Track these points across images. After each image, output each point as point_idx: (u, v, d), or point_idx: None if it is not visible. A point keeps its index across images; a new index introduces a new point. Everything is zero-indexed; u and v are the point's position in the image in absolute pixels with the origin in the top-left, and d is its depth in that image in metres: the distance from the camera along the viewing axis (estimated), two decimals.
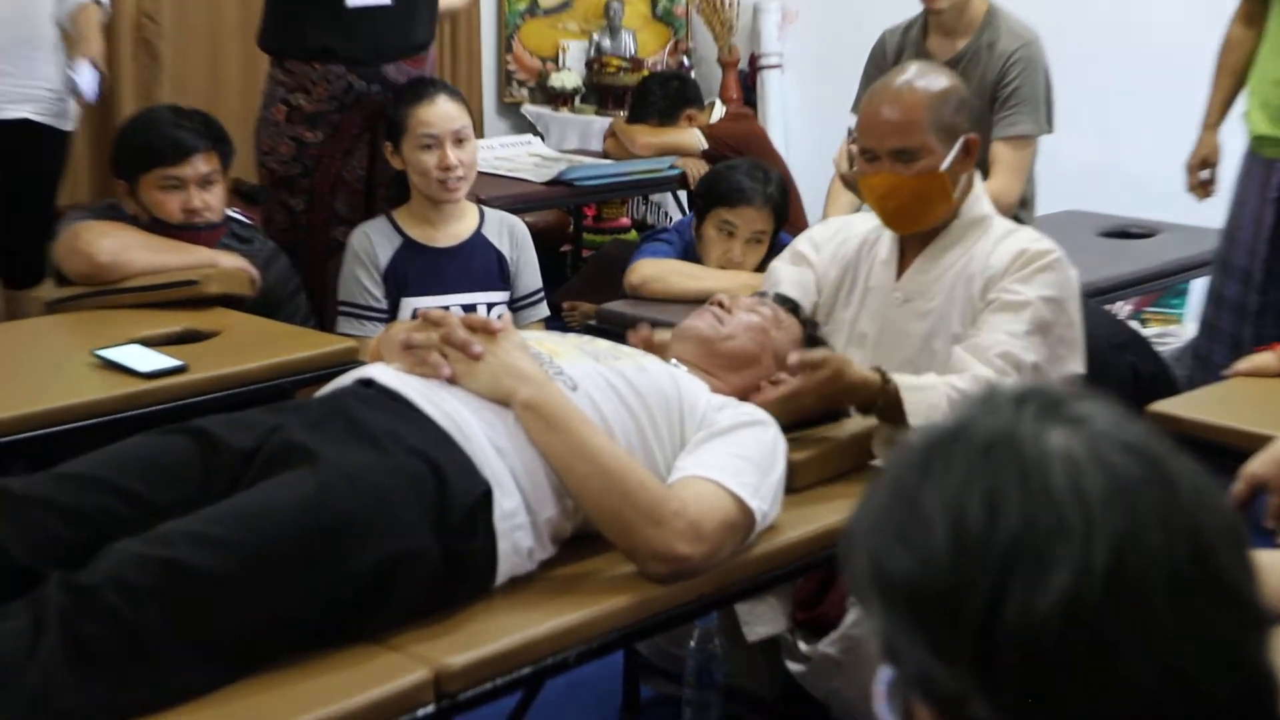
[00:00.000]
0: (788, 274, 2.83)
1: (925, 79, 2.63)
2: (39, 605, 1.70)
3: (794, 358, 2.38)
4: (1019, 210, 3.63)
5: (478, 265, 3.67)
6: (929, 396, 2.41)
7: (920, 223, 2.67)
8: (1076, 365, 2.59)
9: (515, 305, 3.72)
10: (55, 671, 1.65)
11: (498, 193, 4.55)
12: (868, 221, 2.78)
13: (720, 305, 2.53)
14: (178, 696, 1.71)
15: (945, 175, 2.61)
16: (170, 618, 1.71)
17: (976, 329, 2.57)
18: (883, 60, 3.76)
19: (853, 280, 2.78)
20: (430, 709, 1.84)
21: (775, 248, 3.70)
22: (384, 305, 3.62)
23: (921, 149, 2.59)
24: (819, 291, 2.80)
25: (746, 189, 3.78)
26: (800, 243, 2.89)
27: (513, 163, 5.18)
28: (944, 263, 2.67)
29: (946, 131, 2.60)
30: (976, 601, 0.84)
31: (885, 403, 2.42)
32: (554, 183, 4.85)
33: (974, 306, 2.60)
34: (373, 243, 3.63)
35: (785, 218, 3.86)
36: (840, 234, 2.84)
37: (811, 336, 2.60)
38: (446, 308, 3.55)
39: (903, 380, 2.44)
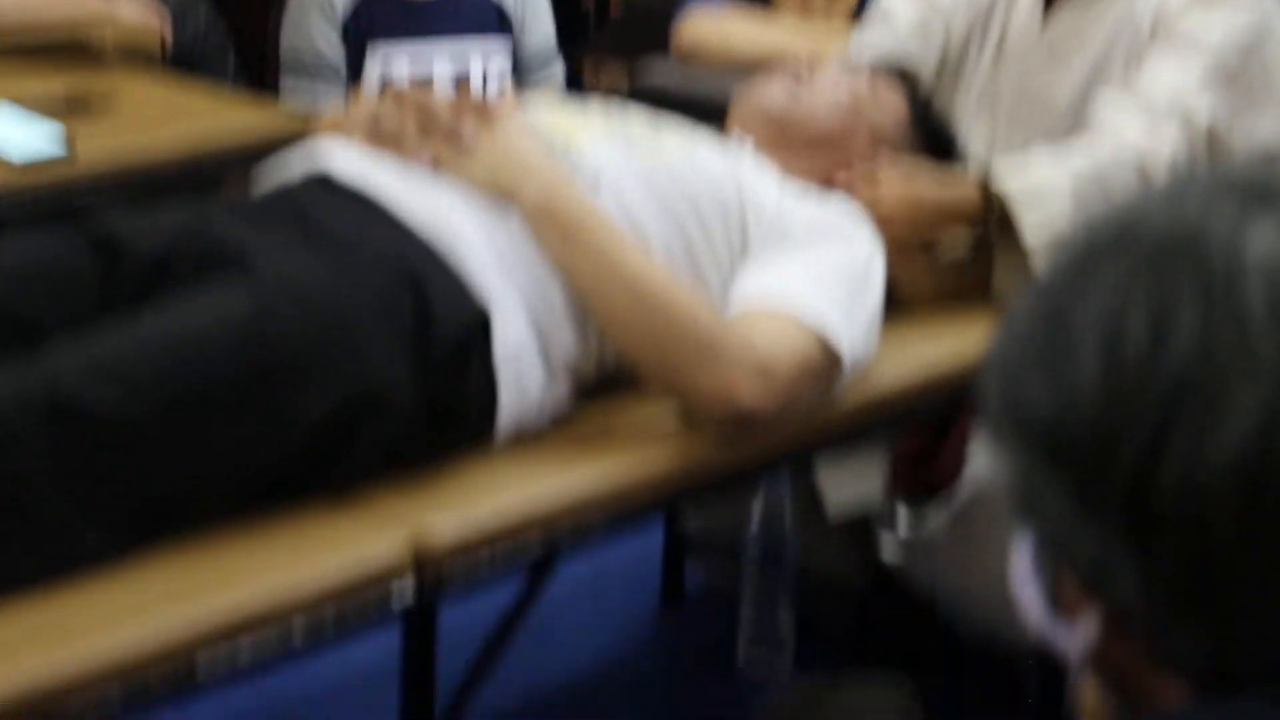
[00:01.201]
0: (905, 13, 2.80)
1: None
2: None
3: (844, 176, 2.38)
4: None
5: (467, 9, 3.65)
6: (1052, 206, 2.39)
7: None
8: (1276, 122, 2.57)
9: (519, 70, 3.71)
10: None
11: None
12: None
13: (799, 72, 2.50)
14: (69, 565, 1.74)
15: None
16: (61, 474, 1.74)
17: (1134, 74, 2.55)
18: None
19: (984, 30, 2.75)
20: (408, 585, 1.84)
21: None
22: (342, 64, 3.61)
23: None
24: (945, 43, 2.78)
25: None
26: None
27: None
28: (1105, 1, 2.64)
29: None
30: (1130, 448, 0.86)
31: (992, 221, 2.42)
32: None
33: (1141, 56, 2.58)
34: None
35: None
36: None
37: (924, 118, 2.56)
38: (429, 67, 3.56)
39: (1011, 185, 2.42)
